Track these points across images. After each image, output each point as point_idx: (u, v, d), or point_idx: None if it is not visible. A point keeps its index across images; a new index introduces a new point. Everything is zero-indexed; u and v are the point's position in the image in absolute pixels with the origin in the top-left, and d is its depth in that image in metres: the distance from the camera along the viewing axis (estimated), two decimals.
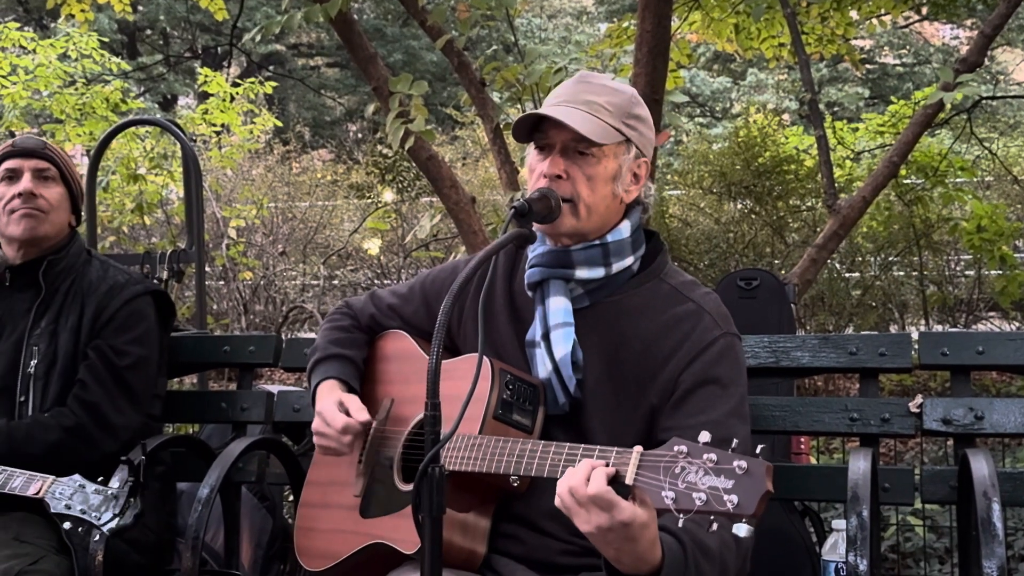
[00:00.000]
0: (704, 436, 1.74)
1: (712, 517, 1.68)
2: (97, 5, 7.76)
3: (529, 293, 2.32)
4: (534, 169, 2.26)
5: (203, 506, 2.75)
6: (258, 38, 4.88)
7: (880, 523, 3.35)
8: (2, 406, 2.85)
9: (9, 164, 2.93)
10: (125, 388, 2.88)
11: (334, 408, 2.39)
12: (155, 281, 4.14)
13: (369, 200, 10.07)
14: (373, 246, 9.22)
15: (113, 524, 2.46)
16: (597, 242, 2.26)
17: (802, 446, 3.79)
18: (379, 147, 9.51)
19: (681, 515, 1.69)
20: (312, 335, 10.57)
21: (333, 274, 9.28)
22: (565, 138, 2.21)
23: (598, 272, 2.26)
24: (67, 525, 2.51)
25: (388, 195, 9.46)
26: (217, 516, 3.16)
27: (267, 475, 3.21)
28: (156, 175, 7.71)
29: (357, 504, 2.42)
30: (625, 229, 2.28)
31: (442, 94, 21.15)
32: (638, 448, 1.82)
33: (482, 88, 5.46)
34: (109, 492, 2.49)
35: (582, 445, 1.96)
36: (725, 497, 1.66)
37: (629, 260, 2.29)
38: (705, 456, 1.71)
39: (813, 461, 4.28)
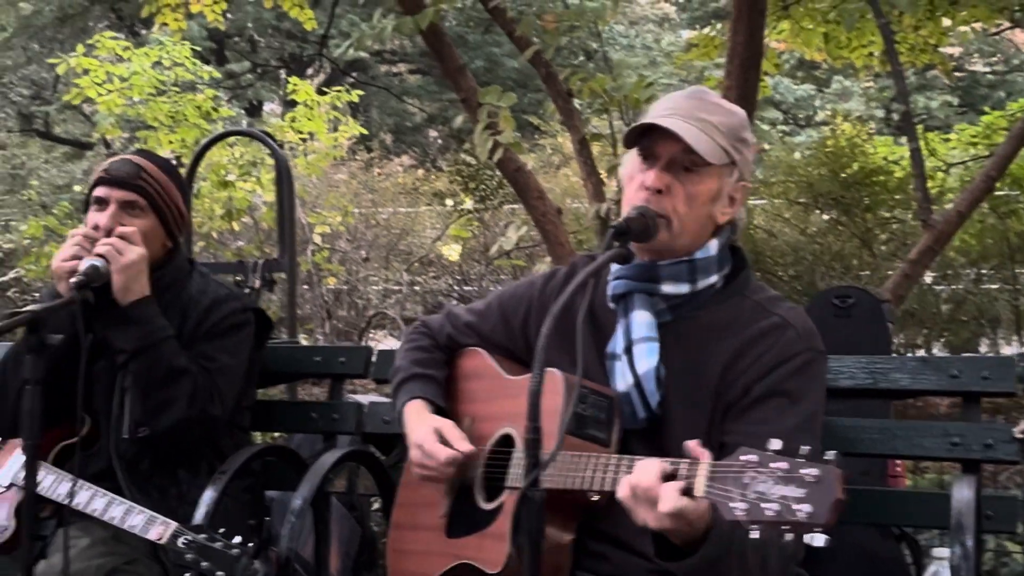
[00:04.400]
0: (774, 444, 1.71)
1: (785, 527, 1.65)
2: (189, 13, 7.92)
3: (611, 305, 2.30)
4: (633, 178, 2.24)
5: (296, 517, 2.79)
6: (349, 50, 4.94)
7: (981, 550, 3.26)
8: (101, 421, 2.87)
9: (99, 192, 2.88)
10: (215, 387, 2.89)
11: (433, 439, 2.38)
12: (247, 290, 4.20)
13: (451, 207, 10.14)
14: (453, 252, 9.28)
15: None
16: (685, 258, 2.24)
17: (899, 468, 3.71)
18: (462, 155, 9.56)
19: (753, 526, 1.67)
20: (395, 340, 10.68)
21: (415, 280, 9.36)
22: (673, 151, 2.18)
23: (683, 288, 2.24)
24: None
25: (469, 203, 9.52)
26: (307, 525, 3.19)
27: (356, 485, 3.24)
28: (244, 181, 7.83)
29: (443, 524, 2.44)
30: (713, 247, 2.26)
31: (523, 100, 21.14)
32: (705, 459, 1.80)
33: (569, 99, 5.46)
34: (234, 552, 2.43)
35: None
36: (796, 507, 1.63)
37: (714, 278, 2.27)
38: (774, 465, 1.68)
39: (908, 482, 4.20)
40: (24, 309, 2.35)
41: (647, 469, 1.86)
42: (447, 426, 2.41)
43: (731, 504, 1.69)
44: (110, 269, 2.75)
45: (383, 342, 10.93)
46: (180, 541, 2.49)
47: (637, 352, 2.21)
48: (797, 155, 8.96)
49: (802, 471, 1.64)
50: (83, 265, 2.71)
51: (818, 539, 1.63)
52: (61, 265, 2.75)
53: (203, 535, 2.47)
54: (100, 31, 21.71)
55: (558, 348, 2.25)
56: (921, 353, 8.01)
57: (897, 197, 7.76)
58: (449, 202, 10.14)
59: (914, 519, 2.95)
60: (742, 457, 1.72)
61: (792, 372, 2.15)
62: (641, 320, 2.23)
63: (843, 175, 7.74)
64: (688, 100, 2.25)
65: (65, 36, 20.89)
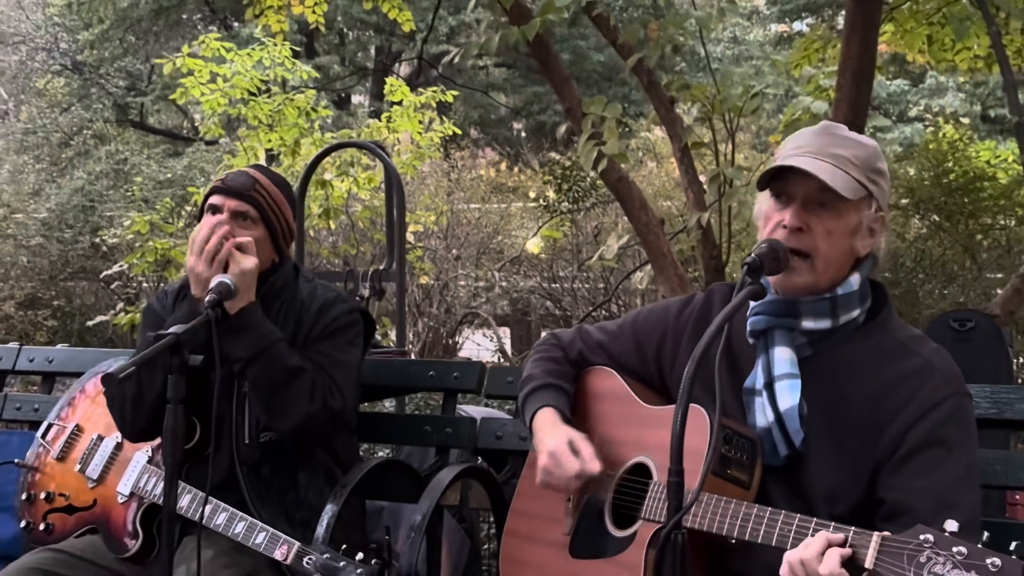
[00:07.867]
0: (951, 525, 1.70)
1: None
2: (289, 12, 8.01)
3: (750, 340, 2.30)
4: (770, 218, 2.24)
5: (415, 533, 2.84)
6: (456, 57, 4.98)
7: None
8: (221, 428, 2.93)
9: (214, 199, 2.97)
10: (332, 380, 2.95)
11: (566, 450, 2.40)
12: (357, 299, 4.26)
13: (541, 205, 10.16)
14: (533, 244, 9.31)
15: None
16: (827, 295, 2.23)
17: (1017, 497, 3.65)
18: (553, 155, 9.58)
19: None
20: (484, 339, 10.69)
21: (509, 278, 9.42)
22: (809, 190, 2.18)
23: (824, 323, 2.24)
24: None
25: (551, 194, 9.51)
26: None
27: (468, 499, 3.28)
28: (341, 181, 7.92)
29: (566, 542, 2.45)
30: (855, 282, 2.25)
31: (607, 93, 21.11)
32: (879, 532, 1.81)
33: (671, 107, 5.45)
34: (358, 572, 2.40)
35: (814, 519, 1.96)
36: None
37: (856, 312, 2.25)
38: (954, 548, 1.68)
39: None
40: (166, 332, 2.42)
41: (811, 545, 1.87)
42: (581, 440, 2.43)
43: None
44: (237, 284, 2.83)
45: (473, 337, 11.02)
46: (305, 561, 2.51)
47: (779, 388, 2.21)
48: (889, 150, 8.79)
49: (986, 560, 1.64)
50: (213, 282, 2.79)
51: None
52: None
53: (327, 555, 2.47)
54: (194, 23, 22.13)
55: (696, 382, 2.26)
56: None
57: (1001, 203, 7.59)
58: (532, 195, 10.13)
59: None
60: (920, 536, 1.72)
61: (944, 419, 2.12)
62: (782, 356, 2.23)
63: (945, 181, 7.59)
64: (818, 137, 2.24)
65: (160, 28, 21.34)
